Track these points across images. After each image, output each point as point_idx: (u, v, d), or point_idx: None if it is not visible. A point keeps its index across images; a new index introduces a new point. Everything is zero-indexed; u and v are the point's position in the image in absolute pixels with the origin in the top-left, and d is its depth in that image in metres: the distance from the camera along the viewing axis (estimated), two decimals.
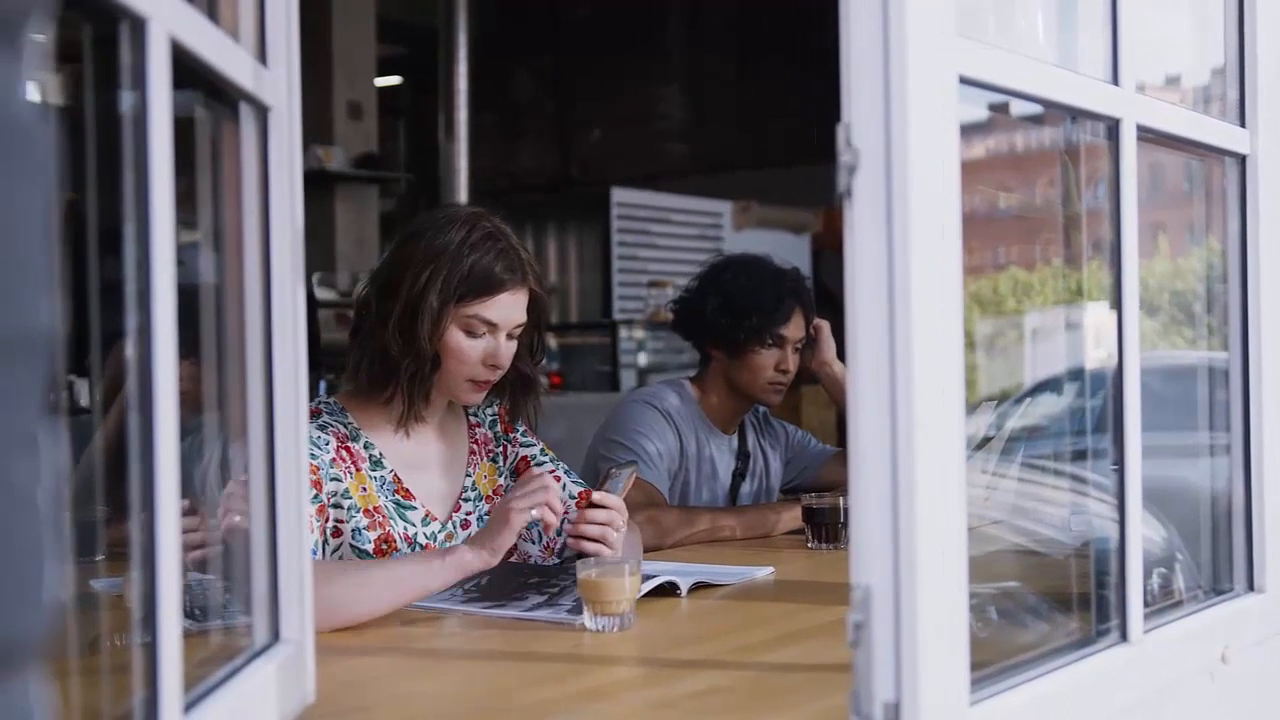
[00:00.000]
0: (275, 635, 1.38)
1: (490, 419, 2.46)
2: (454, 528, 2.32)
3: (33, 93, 0.58)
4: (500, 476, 2.43)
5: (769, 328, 3.02)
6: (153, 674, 1.01)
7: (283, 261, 1.38)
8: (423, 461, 2.32)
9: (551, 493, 2.05)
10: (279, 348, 1.37)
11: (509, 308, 2.25)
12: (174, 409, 1.03)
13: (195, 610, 1.35)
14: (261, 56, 1.35)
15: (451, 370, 2.25)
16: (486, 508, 2.37)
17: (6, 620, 0.54)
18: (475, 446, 2.41)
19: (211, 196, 1.34)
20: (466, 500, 2.37)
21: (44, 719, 0.59)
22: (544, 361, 2.49)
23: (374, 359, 2.24)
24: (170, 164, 1.03)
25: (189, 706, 1.09)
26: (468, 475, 2.38)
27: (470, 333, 2.23)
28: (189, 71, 1.12)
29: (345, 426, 2.25)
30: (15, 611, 0.55)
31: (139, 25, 1.00)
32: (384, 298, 2.24)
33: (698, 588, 2.21)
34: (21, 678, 0.55)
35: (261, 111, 1.35)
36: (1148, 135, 1.59)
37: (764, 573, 2.38)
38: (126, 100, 1.01)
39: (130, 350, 1.01)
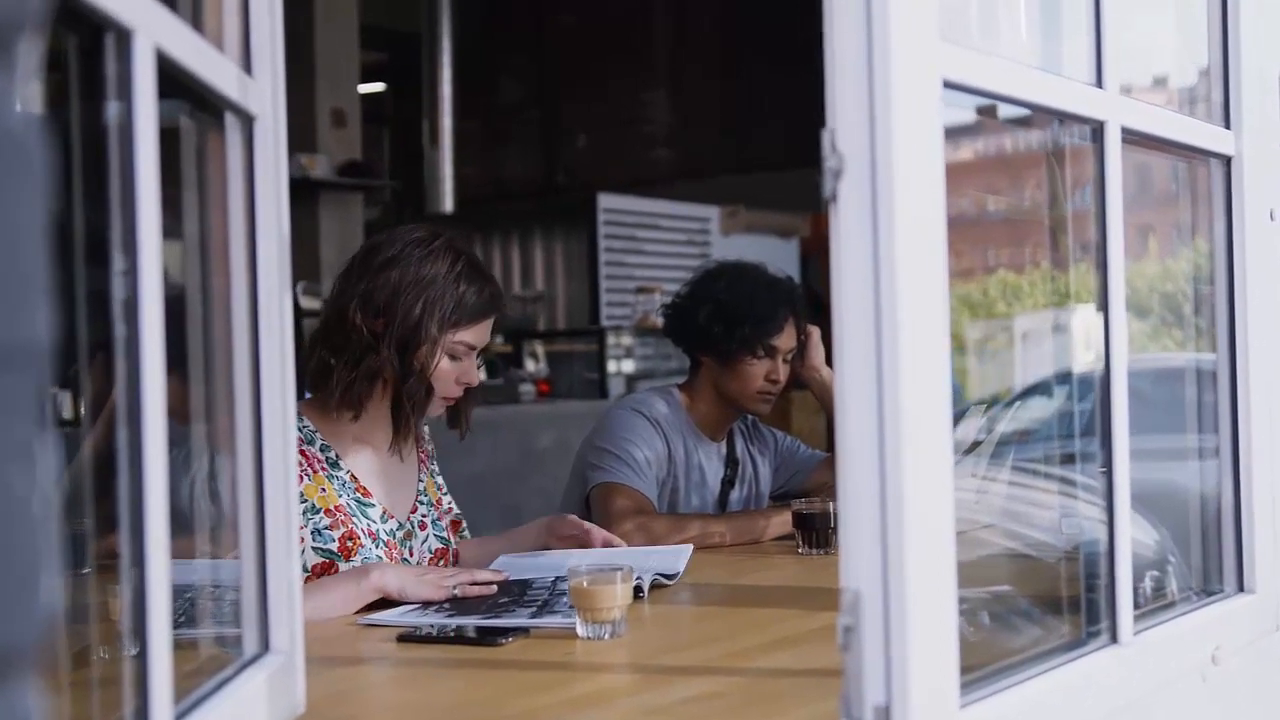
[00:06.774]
0: (265, 645, 1.38)
1: (428, 435, 2.58)
2: (412, 527, 2.43)
3: (26, 104, 0.58)
4: (440, 490, 2.56)
5: (761, 338, 2.99)
6: (143, 685, 1.01)
7: (269, 271, 1.38)
8: (379, 467, 2.41)
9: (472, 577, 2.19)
10: (266, 358, 1.37)
11: (487, 331, 2.39)
12: (161, 421, 1.02)
13: (181, 619, 1.35)
14: (246, 66, 1.35)
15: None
16: (436, 514, 2.49)
17: (4, 628, 0.55)
18: (423, 457, 2.53)
19: (197, 206, 1.33)
20: (421, 503, 2.47)
21: None
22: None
23: (363, 379, 2.29)
24: (156, 174, 1.03)
25: (179, 717, 1.08)
26: (420, 481, 2.49)
27: (453, 357, 2.34)
28: (173, 81, 1.12)
29: (300, 430, 2.29)
30: (13, 620, 0.55)
31: (125, 36, 0.99)
32: (372, 320, 2.28)
33: (658, 586, 2.24)
34: (19, 686, 0.55)
35: (247, 121, 1.35)
36: (1132, 137, 1.60)
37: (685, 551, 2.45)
38: (112, 110, 1.01)
39: (117, 362, 1.01)
